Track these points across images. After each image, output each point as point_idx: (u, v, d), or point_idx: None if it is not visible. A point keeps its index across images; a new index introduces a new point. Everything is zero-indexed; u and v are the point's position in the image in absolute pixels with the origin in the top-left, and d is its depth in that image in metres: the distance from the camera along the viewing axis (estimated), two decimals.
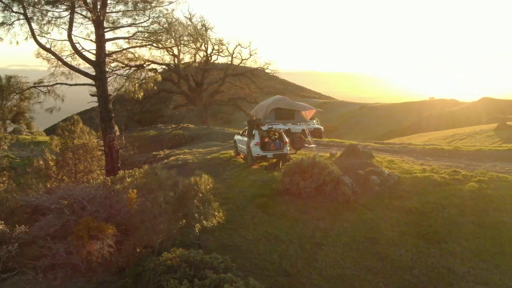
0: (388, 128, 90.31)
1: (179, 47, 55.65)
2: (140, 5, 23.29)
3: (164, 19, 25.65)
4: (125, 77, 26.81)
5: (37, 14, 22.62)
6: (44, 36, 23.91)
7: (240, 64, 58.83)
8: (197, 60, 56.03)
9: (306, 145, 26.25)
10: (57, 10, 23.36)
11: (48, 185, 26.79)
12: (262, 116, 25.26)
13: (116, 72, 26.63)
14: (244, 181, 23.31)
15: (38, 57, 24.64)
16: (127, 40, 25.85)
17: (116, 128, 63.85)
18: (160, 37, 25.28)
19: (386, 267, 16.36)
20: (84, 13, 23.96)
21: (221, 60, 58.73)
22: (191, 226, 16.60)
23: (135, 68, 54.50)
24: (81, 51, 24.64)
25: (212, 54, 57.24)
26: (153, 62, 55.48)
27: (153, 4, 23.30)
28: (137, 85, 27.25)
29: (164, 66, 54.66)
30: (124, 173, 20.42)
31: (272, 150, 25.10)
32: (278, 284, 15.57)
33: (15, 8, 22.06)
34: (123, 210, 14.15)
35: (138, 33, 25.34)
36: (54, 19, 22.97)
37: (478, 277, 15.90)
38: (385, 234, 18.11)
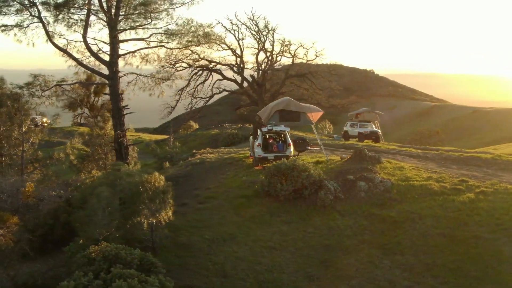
0: (500, 134, 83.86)
1: (242, 47, 56.68)
2: (140, 9, 24.17)
3: (179, 21, 26.37)
4: (147, 76, 27.82)
5: (54, 17, 24.31)
6: (64, 38, 25.63)
7: (306, 65, 58.52)
8: (259, 61, 56.53)
9: (309, 148, 25.85)
10: (78, 13, 24.95)
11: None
12: (266, 117, 25.25)
13: (137, 72, 27.54)
14: (235, 182, 23.51)
15: (63, 56, 26.38)
16: (145, 41, 26.75)
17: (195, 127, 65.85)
18: (171, 39, 26.01)
19: (327, 275, 15.90)
20: (100, 15, 25.29)
21: (287, 61, 58.72)
22: (143, 222, 17.14)
23: (199, 69, 56.39)
24: (98, 52, 26.04)
25: (277, 55, 57.53)
26: (220, 63, 56.93)
27: (152, 8, 24.06)
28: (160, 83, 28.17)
29: (227, 67, 55.73)
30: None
31: (274, 152, 25.02)
32: (210, 284, 15.69)
33: (32, 12, 23.92)
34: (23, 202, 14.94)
35: (155, 35, 26.24)
36: (70, 21, 24.52)
37: None
38: (343, 242, 17.56)
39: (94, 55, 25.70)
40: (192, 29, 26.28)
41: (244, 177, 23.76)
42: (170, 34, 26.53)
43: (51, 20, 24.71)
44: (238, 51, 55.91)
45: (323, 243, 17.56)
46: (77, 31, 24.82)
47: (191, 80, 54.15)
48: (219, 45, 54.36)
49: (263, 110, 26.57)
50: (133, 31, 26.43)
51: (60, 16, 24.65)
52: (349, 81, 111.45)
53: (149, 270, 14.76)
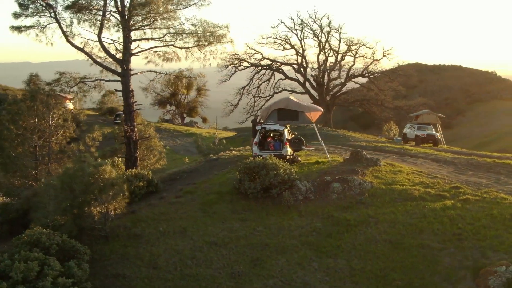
0: None
1: (304, 47, 56.51)
2: (139, 10, 25.21)
3: (194, 21, 27.21)
4: (163, 74, 28.97)
5: (73, 19, 26.23)
6: (84, 38, 27.48)
7: (371, 65, 56.86)
8: (320, 61, 55.95)
9: (303, 147, 25.43)
10: (95, 14, 26.60)
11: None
12: (264, 116, 25.32)
13: (157, 70, 28.78)
14: (222, 178, 23.80)
15: (86, 57, 28.23)
16: (160, 41, 27.81)
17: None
18: (182, 39, 26.88)
19: (249, 274, 15.88)
20: (116, 17, 26.81)
21: (351, 60, 57.41)
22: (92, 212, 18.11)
23: (261, 68, 57.13)
24: (115, 51, 27.56)
25: (343, 54, 56.38)
26: (284, 63, 57.38)
27: (151, 8, 24.94)
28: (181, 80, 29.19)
29: (290, 67, 55.97)
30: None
31: (270, 151, 24.97)
32: (138, 274, 16.26)
33: (51, 13, 25.91)
34: None
35: (169, 35, 27.26)
36: (87, 21, 26.27)
37: None
38: (284, 242, 17.36)
39: (108, 53, 27.22)
40: (200, 30, 26.98)
41: (231, 174, 24.01)
42: (183, 34, 27.42)
43: (68, 21, 26.57)
44: (301, 51, 55.93)
45: (264, 242, 17.47)
46: (90, 31, 26.47)
47: (253, 79, 55.20)
48: (281, 45, 54.93)
49: (263, 109, 26.61)
50: (149, 31, 27.66)
51: (77, 17, 26.36)
52: (468, 83, 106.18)
53: (73, 256, 15.66)
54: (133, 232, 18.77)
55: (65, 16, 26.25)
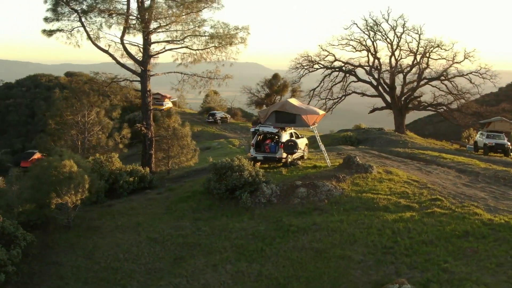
0: None
1: (376, 49, 54.57)
2: (142, 13, 26.37)
3: (211, 23, 28.04)
4: (189, 75, 29.94)
5: (98, 23, 28.18)
6: (112, 40, 29.30)
7: (453, 67, 53.00)
8: (392, 63, 53.61)
9: (296, 151, 24.96)
10: (120, 18, 28.34)
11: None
12: (262, 118, 25.38)
13: (181, 71, 29.89)
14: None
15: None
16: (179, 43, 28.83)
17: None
18: (198, 41, 27.74)
19: (164, 271, 16.30)
20: (135, 21, 28.34)
21: (432, 63, 54.01)
22: (55, 203, 19.52)
23: (333, 70, 56.32)
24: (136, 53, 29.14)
25: (421, 56, 53.27)
26: (357, 65, 56.02)
27: (153, 11, 26.00)
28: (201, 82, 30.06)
29: (362, 69, 54.54)
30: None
31: (266, 153, 25.00)
32: (73, 262, 17.29)
33: (76, 17, 28.07)
34: None
35: (187, 37, 28.28)
36: (109, 25, 28.09)
37: None
38: (216, 243, 17.53)
39: (130, 55, 28.80)
40: (220, 32, 27.70)
41: None
42: (202, 36, 28.40)
43: (96, 25, 28.52)
44: (374, 53, 54.15)
45: (197, 242, 17.75)
46: (112, 34, 28.26)
47: (324, 80, 54.66)
48: (353, 47, 53.89)
49: (262, 111, 26.61)
50: (167, 34, 28.97)
51: (104, 20, 28.27)
52: None
53: (12, 241, 17.11)
54: (94, 224, 19.93)
55: (93, 20, 28.14)
